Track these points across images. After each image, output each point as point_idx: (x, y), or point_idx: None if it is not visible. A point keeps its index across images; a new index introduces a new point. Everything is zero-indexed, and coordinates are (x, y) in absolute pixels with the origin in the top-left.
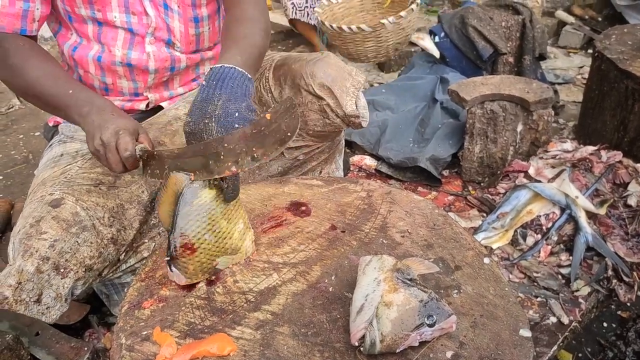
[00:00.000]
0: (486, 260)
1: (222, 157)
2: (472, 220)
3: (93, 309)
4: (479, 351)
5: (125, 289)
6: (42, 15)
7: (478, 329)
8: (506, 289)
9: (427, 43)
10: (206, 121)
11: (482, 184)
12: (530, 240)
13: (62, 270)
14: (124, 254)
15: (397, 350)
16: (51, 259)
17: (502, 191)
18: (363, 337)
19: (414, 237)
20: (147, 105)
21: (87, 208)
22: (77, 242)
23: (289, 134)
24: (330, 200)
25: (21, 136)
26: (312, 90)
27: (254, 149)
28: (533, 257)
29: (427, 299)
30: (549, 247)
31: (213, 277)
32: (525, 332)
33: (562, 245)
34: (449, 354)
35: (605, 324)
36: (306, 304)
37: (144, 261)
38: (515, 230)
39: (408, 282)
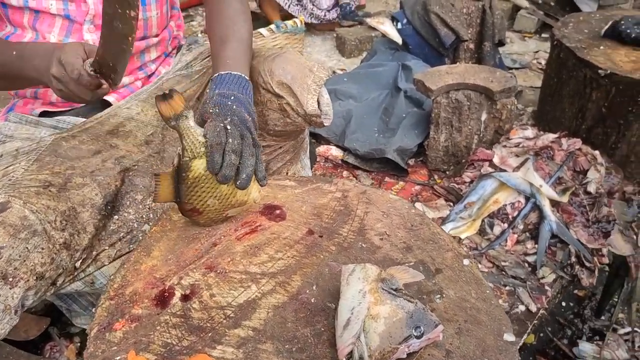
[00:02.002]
0: (466, 261)
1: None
2: (439, 210)
3: (53, 320)
4: (466, 359)
5: (99, 301)
6: None
7: (463, 336)
8: (487, 291)
9: (388, 28)
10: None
11: (447, 173)
12: (497, 230)
13: (10, 279)
14: (80, 261)
15: None
16: None
17: (468, 180)
18: (351, 352)
19: (392, 240)
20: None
21: (36, 211)
22: (26, 248)
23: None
24: (306, 202)
25: None
26: (270, 88)
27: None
28: (500, 246)
29: (413, 309)
30: (515, 235)
31: (188, 292)
32: (509, 337)
33: (527, 234)
34: None
35: (563, 303)
36: (288, 318)
37: (111, 276)
38: (483, 220)
39: (393, 292)
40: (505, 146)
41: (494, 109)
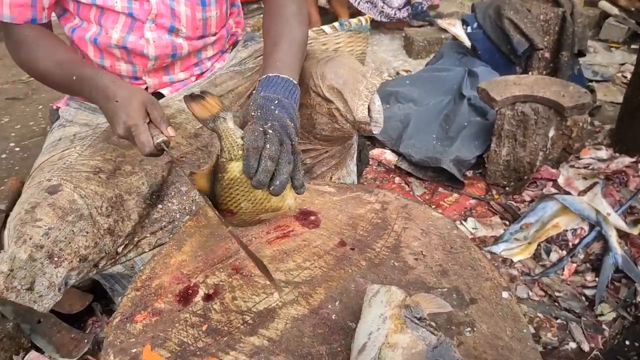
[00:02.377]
0: (505, 294)
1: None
2: (493, 228)
3: (97, 297)
4: None
5: (126, 290)
6: (50, 3)
7: None
8: (524, 330)
9: (459, 30)
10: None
11: (507, 189)
12: (554, 256)
13: (55, 259)
14: (122, 247)
15: None
16: (45, 247)
17: (528, 199)
18: None
19: (428, 261)
20: (146, 89)
21: (85, 196)
22: (72, 231)
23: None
24: (342, 211)
25: (40, 107)
26: (320, 92)
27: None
28: (556, 274)
29: (436, 343)
30: (574, 265)
31: (211, 292)
32: None
33: (588, 265)
34: None
35: (627, 342)
36: (306, 332)
37: (142, 267)
38: (539, 244)
39: (417, 321)
40: (573, 166)
41: (564, 126)
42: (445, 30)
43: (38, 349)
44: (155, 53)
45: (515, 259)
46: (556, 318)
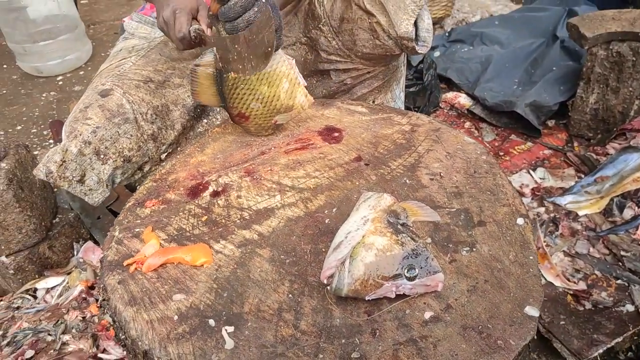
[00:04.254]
0: (520, 220)
1: (235, 57)
2: (563, 180)
3: None
4: (465, 319)
5: (145, 180)
6: None
7: (475, 295)
8: (531, 257)
9: None
10: None
11: (591, 141)
12: (628, 213)
13: (102, 156)
14: (165, 154)
15: (367, 298)
16: (92, 144)
17: (612, 152)
18: (333, 275)
19: (444, 182)
20: None
21: (132, 102)
22: (117, 132)
23: (269, 49)
24: (368, 130)
25: None
26: (362, 4)
27: (251, 56)
28: (627, 232)
29: (413, 249)
30: None
31: (220, 189)
32: (532, 311)
33: None
34: (427, 315)
35: None
36: (296, 231)
37: (164, 163)
38: (612, 199)
39: (399, 227)
40: None
41: None
42: None
43: (95, 241)
44: None
45: (581, 213)
46: (617, 278)
